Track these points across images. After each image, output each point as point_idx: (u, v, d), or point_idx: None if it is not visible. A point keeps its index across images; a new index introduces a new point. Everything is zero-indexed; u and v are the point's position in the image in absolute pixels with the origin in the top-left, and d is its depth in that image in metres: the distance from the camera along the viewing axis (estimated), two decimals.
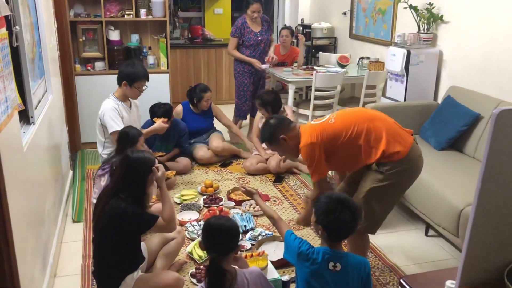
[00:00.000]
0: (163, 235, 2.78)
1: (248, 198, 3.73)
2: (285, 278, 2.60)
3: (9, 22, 2.38)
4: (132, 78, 3.69)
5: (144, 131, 3.69)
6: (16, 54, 2.54)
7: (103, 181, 3.22)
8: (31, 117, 2.74)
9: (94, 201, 2.83)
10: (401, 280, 1.89)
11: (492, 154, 1.30)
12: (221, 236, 2.05)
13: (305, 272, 2.07)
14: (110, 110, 3.63)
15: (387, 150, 2.42)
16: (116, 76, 3.77)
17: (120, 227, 2.33)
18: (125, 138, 3.25)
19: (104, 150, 3.74)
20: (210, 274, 2.01)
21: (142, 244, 2.60)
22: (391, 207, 2.62)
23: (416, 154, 2.51)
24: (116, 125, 3.58)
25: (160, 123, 3.91)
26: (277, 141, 2.60)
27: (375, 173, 2.48)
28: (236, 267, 2.13)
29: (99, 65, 4.93)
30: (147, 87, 3.84)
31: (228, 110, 5.99)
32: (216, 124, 4.92)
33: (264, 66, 5.16)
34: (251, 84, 5.29)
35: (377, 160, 2.45)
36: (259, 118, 4.50)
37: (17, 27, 2.48)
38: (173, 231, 2.61)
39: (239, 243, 2.13)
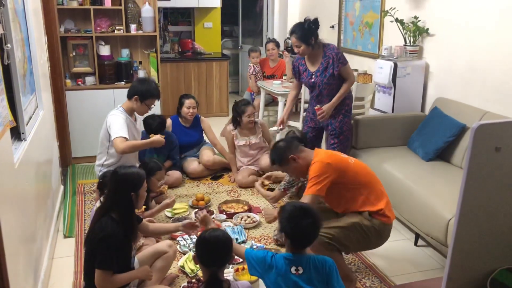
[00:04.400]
0: (155, 249, 2.79)
1: (239, 210, 3.76)
2: None
3: (0, 40, 2.40)
4: (145, 95, 3.70)
5: (141, 143, 3.73)
6: (7, 70, 2.56)
7: None
8: (23, 133, 2.74)
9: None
10: None
11: (473, 165, 1.35)
12: (217, 250, 2.12)
13: (272, 278, 2.17)
14: (119, 118, 3.62)
15: (383, 210, 2.69)
16: (128, 90, 3.76)
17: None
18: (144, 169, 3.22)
19: (107, 161, 3.72)
20: (210, 286, 2.06)
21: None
22: (356, 248, 2.83)
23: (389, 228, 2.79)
24: (123, 132, 3.54)
25: (158, 136, 3.82)
26: (286, 162, 2.78)
27: (364, 218, 2.68)
28: (229, 279, 2.17)
29: (89, 80, 4.95)
30: (154, 105, 3.88)
31: (218, 123, 6.04)
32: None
33: (272, 130, 4.26)
34: (311, 123, 4.12)
35: (372, 212, 2.68)
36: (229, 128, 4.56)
37: (8, 45, 2.49)
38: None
39: (232, 254, 2.18)
